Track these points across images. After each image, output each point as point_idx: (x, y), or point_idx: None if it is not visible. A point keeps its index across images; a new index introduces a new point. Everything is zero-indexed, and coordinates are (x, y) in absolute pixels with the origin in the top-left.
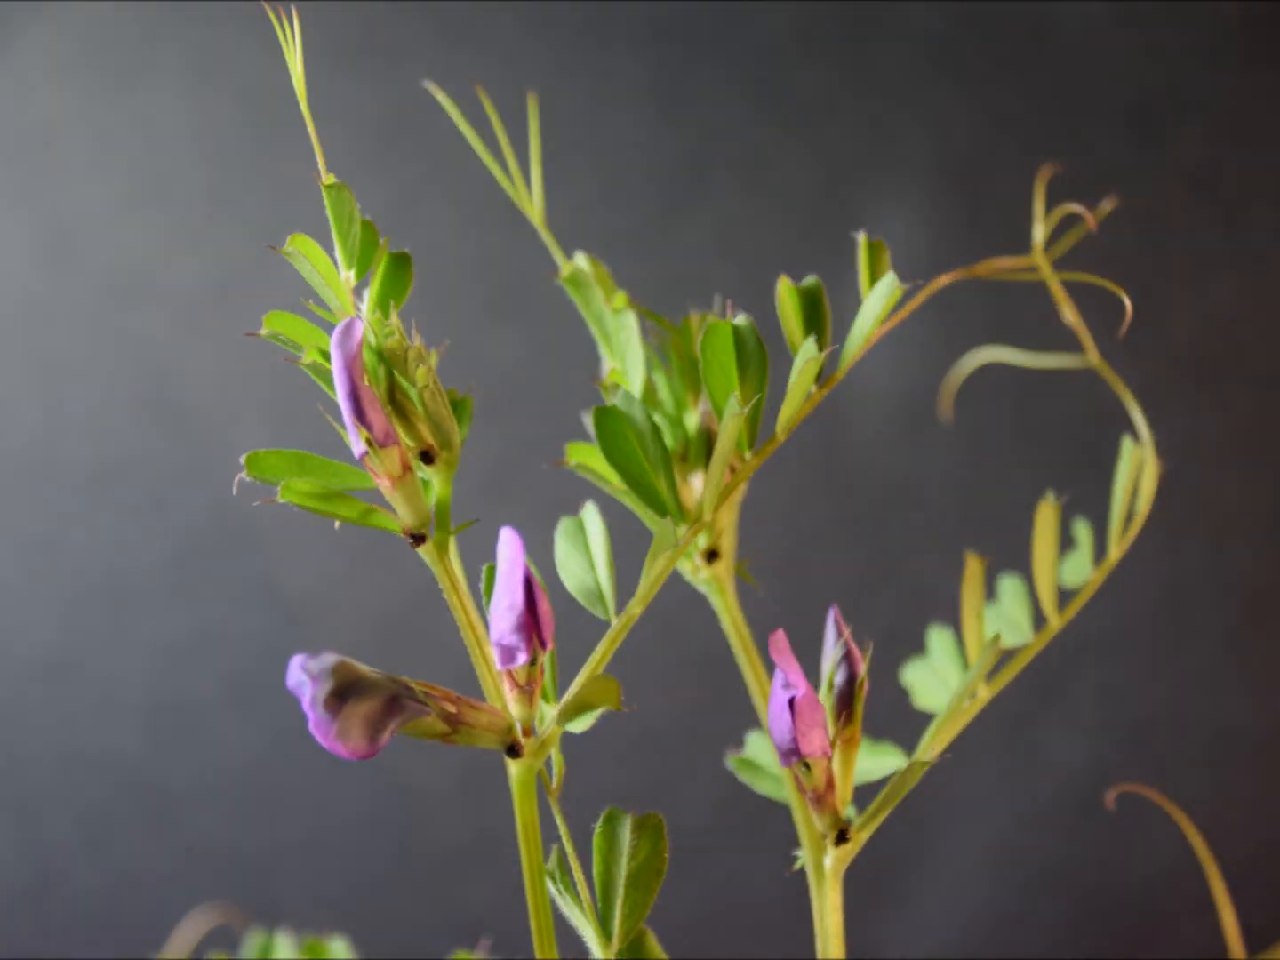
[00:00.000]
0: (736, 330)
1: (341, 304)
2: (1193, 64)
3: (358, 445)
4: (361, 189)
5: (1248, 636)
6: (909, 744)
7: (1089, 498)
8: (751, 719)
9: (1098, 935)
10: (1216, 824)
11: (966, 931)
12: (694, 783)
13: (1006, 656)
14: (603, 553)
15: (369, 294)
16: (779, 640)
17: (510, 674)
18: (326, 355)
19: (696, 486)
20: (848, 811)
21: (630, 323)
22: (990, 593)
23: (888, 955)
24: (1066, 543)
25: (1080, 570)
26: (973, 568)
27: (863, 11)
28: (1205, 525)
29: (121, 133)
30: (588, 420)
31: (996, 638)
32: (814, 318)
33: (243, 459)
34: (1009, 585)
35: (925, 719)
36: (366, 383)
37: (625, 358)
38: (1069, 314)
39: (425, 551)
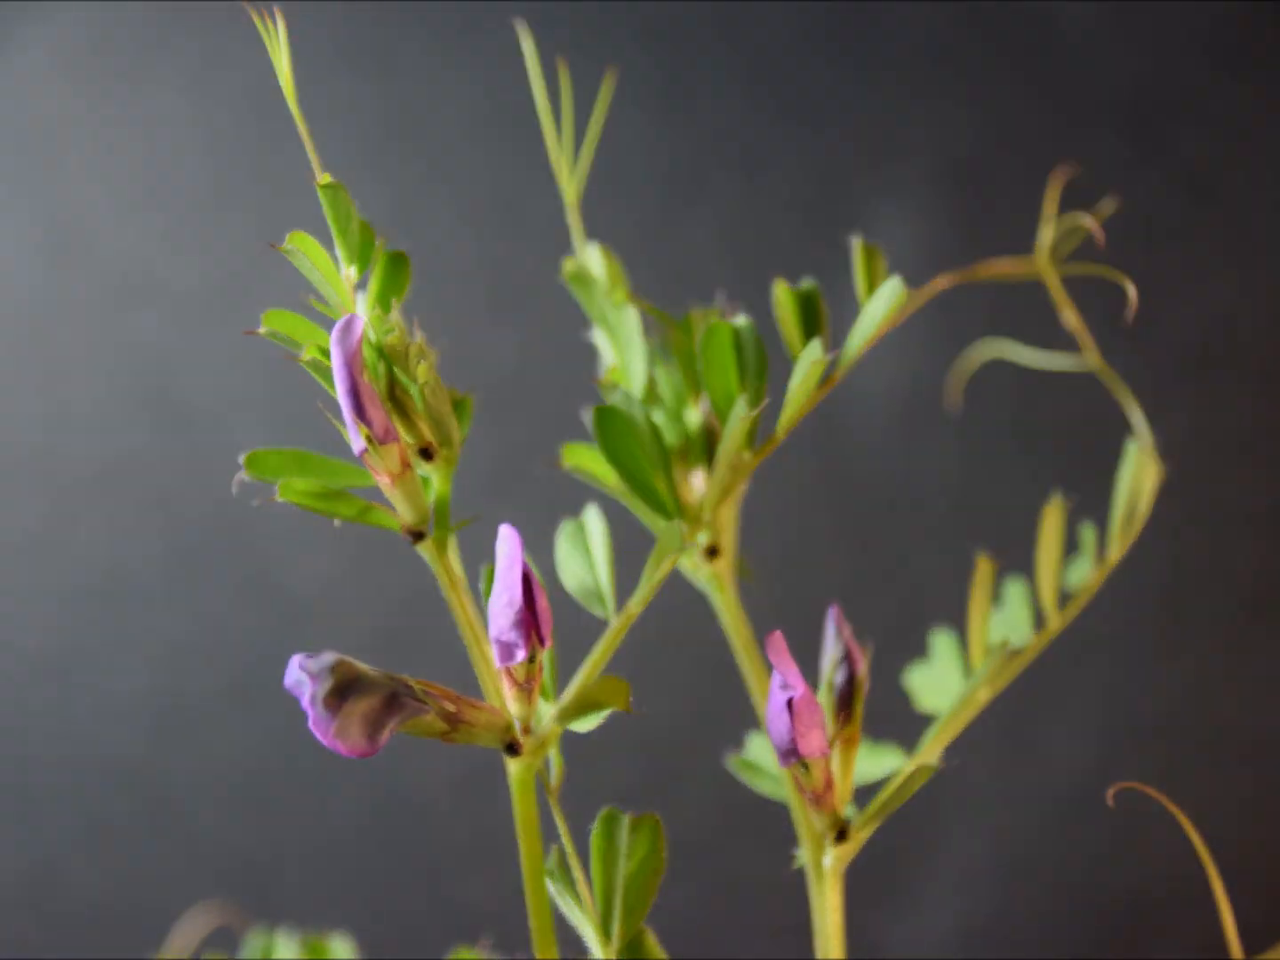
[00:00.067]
0: (736, 331)
1: (342, 301)
2: (1193, 64)
3: (357, 442)
4: (362, 189)
5: (1248, 636)
6: (909, 744)
7: (1088, 498)
8: (751, 719)
9: (1098, 935)
10: (1216, 824)
11: (966, 931)
12: (694, 782)
13: (1007, 657)
14: (603, 552)
15: (368, 291)
16: (776, 641)
17: (509, 672)
18: (326, 352)
19: (696, 484)
20: (847, 811)
21: (632, 317)
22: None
23: (888, 955)
24: (1067, 543)
25: (1084, 572)
26: (983, 570)
27: (863, 11)
28: (1205, 525)
29: (124, 132)
30: (588, 419)
31: (1004, 643)
32: (811, 320)
33: (242, 459)
34: (1015, 590)
35: (924, 718)
36: (366, 379)
37: (627, 352)
38: (1070, 317)
39: (424, 549)
